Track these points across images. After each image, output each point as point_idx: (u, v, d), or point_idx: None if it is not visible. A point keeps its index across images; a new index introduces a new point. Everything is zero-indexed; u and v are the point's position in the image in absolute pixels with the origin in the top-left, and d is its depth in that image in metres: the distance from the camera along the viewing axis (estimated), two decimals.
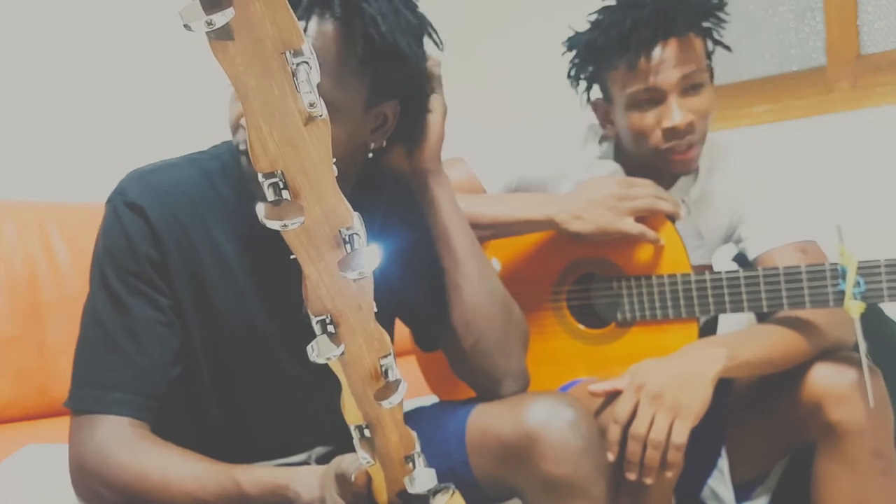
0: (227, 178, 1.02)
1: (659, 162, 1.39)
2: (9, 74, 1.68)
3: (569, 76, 1.46)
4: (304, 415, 1.06)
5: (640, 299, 1.37)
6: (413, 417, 1.16)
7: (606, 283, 1.42)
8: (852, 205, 1.96)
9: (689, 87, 1.35)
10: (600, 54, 1.38)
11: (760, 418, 1.40)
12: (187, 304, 0.99)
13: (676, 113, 1.32)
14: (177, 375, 0.99)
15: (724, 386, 1.43)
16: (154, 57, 1.86)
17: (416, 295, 1.14)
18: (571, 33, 1.45)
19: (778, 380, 1.31)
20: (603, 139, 1.49)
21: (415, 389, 1.55)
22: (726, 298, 1.31)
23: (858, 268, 1.21)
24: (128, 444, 0.94)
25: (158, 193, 0.99)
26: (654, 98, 1.35)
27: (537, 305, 1.44)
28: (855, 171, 2.00)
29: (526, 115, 1.94)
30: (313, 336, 0.58)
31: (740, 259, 1.55)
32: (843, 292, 1.21)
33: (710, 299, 1.32)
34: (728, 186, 1.47)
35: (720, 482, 1.40)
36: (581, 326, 1.44)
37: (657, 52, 1.32)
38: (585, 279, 1.45)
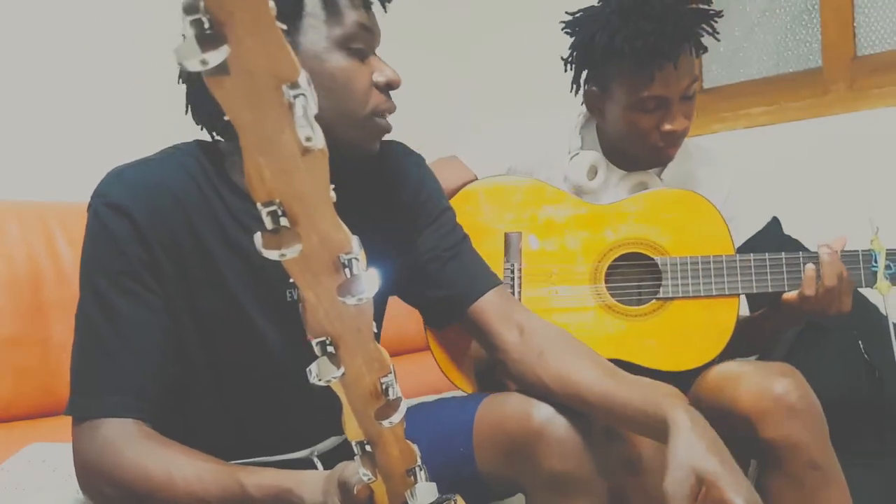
0: (207, 175, 1.02)
1: (651, 155, 1.51)
2: (11, 75, 1.68)
3: (568, 61, 1.54)
4: (304, 408, 1.05)
5: (683, 277, 1.46)
6: (419, 411, 1.17)
7: (649, 262, 1.48)
8: (850, 205, 1.97)
9: (688, 96, 1.46)
10: (617, 59, 1.45)
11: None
12: (178, 302, 0.99)
13: (678, 120, 1.45)
14: (174, 374, 1.00)
15: None
16: (156, 56, 1.86)
17: (421, 276, 1.15)
18: (570, 16, 1.52)
19: (709, 405, 1.34)
20: (587, 124, 1.59)
21: (417, 388, 1.56)
22: (769, 277, 1.44)
23: (887, 254, 1.41)
24: (131, 443, 0.94)
25: (142, 193, 0.98)
26: (660, 104, 1.45)
27: (575, 281, 1.51)
28: (851, 173, 2.00)
29: (520, 104, 1.97)
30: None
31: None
32: (875, 273, 1.40)
33: (753, 278, 1.45)
34: (706, 170, 1.60)
35: None
36: (617, 302, 1.48)
37: (671, 66, 1.41)
38: (626, 258, 1.51)
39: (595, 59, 1.48)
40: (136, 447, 0.94)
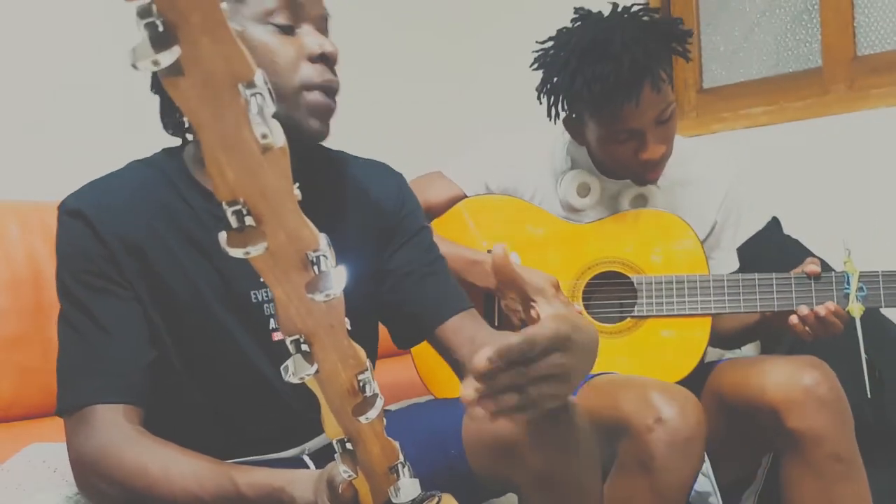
0: (168, 179, 1.05)
1: (634, 178, 1.51)
2: (11, 75, 1.69)
3: (541, 92, 1.52)
4: (288, 405, 1.07)
5: (658, 296, 1.47)
6: (410, 413, 1.17)
7: (626, 280, 1.50)
8: (849, 206, 1.97)
9: (662, 120, 1.44)
10: (582, 101, 1.45)
11: (731, 426, 1.42)
12: (145, 297, 1.02)
13: (653, 148, 1.44)
14: (153, 358, 1.02)
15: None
16: None
17: (394, 291, 1.15)
18: (539, 49, 1.51)
19: (732, 396, 1.37)
20: (574, 145, 1.58)
21: (415, 390, 1.57)
22: (741, 298, 1.45)
23: (860, 276, 1.41)
24: (128, 440, 0.95)
25: (96, 197, 1.03)
26: (632, 135, 1.44)
27: None
28: (851, 173, 1.99)
29: (518, 120, 1.98)
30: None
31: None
32: (847, 295, 1.41)
33: (726, 298, 1.46)
34: (704, 171, 1.59)
35: (706, 486, 1.42)
36: (593, 320, 1.50)
37: (636, 100, 1.39)
38: (602, 277, 1.52)
39: (564, 93, 1.48)
40: (133, 443, 0.95)
